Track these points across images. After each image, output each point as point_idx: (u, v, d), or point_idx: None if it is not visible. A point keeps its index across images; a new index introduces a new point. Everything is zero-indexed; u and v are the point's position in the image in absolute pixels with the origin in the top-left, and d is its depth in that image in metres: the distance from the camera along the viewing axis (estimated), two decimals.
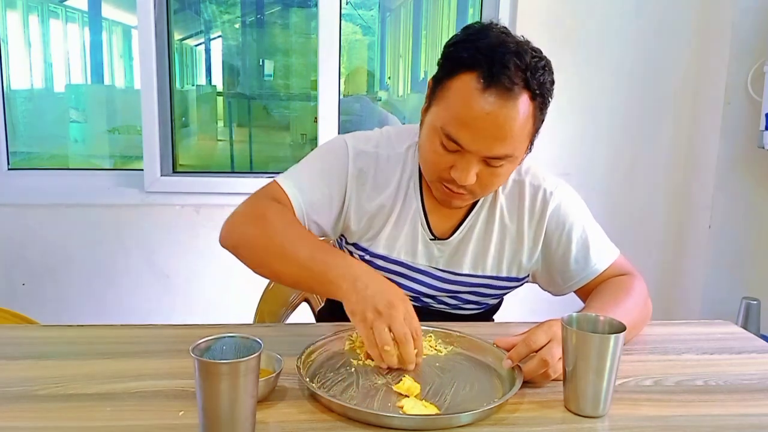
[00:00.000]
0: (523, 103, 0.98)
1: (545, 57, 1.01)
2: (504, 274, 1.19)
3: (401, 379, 0.89)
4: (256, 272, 1.09)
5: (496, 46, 0.98)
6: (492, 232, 1.17)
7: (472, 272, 1.18)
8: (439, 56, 1.06)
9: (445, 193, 1.08)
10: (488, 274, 1.18)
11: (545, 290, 1.25)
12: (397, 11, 3.78)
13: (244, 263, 1.07)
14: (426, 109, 1.08)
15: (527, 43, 1.01)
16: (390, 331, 0.90)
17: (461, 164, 1.02)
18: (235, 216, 1.11)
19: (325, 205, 1.15)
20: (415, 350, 0.92)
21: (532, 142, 1.06)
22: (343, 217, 1.17)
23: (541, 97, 1.01)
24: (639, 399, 0.90)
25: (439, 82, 1.04)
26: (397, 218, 1.16)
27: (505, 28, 1.04)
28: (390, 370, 0.93)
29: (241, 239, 1.08)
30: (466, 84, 0.99)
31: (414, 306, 0.96)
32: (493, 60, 0.97)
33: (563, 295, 1.22)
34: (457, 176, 1.03)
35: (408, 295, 1.18)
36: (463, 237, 1.17)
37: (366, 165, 1.15)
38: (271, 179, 1.15)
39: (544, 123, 1.06)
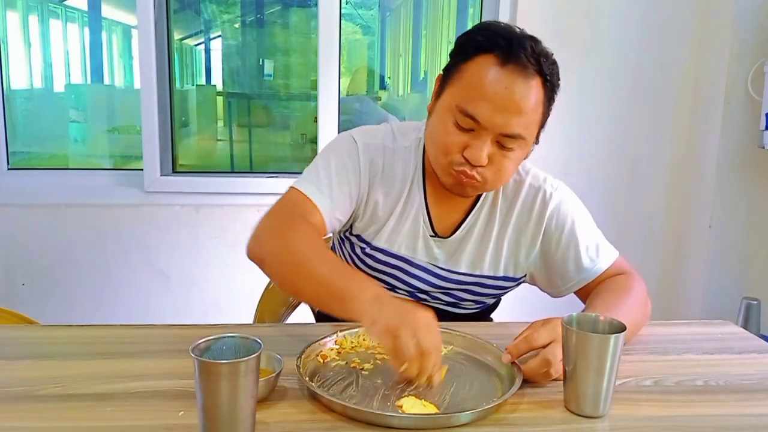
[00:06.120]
0: (537, 85, 1.03)
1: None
2: (501, 274, 1.20)
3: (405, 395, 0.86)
4: (280, 288, 1.11)
5: (512, 31, 1.05)
6: (491, 232, 1.18)
7: (469, 271, 1.19)
8: (450, 50, 1.09)
9: (457, 179, 1.08)
10: (485, 273, 1.19)
11: (544, 291, 1.25)
12: (397, 11, 3.78)
13: (269, 278, 1.09)
14: (434, 102, 1.11)
15: None
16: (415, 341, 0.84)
17: (475, 143, 1.04)
18: (261, 230, 1.10)
19: (346, 201, 1.15)
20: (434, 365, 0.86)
21: (539, 135, 1.09)
22: (356, 210, 1.18)
23: (551, 85, 1.05)
24: (639, 399, 0.90)
25: (452, 69, 1.07)
26: (401, 212, 1.17)
27: None
28: (408, 382, 0.88)
29: (267, 256, 1.07)
30: (484, 63, 1.03)
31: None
32: (512, 40, 1.02)
33: (562, 296, 1.22)
34: (470, 155, 1.03)
35: (405, 291, 1.18)
36: (463, 236, 1.18)
37: (376, 157, 1.17)
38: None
39: (548, 120, 1.08)
